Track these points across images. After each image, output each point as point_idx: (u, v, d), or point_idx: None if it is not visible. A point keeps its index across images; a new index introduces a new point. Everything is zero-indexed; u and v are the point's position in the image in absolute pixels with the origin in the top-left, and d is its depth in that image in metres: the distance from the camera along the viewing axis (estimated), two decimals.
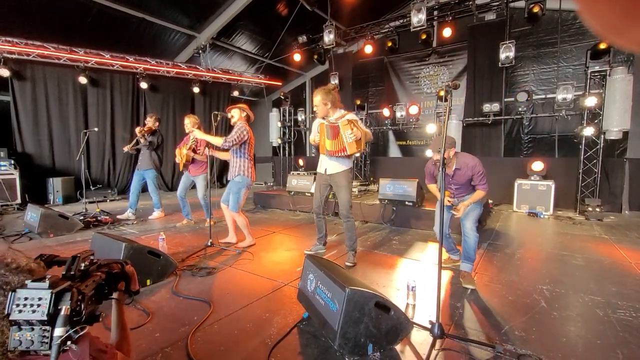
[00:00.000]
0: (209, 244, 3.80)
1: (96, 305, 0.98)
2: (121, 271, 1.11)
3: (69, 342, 0.79)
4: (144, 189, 5.49)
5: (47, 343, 0.76)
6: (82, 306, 0.84)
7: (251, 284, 2.86)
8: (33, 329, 0.75)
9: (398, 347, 1.92)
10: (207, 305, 2.44)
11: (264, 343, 1.97)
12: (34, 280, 0.77)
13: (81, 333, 0.82)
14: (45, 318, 0.74)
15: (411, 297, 2.45)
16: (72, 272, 0.89)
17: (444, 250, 2.84)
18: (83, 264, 0.94)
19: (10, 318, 0.74)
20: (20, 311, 0.73)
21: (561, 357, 1.82)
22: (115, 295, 1.12)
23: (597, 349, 1.90)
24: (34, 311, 0.74)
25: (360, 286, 1.86)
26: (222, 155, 4.16)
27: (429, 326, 2.02)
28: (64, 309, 0.77)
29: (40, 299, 0.74)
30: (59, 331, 0.75)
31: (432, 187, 3.26)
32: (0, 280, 0.82)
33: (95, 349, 0.95)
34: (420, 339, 2.02)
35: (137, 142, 5.33)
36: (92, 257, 1.01)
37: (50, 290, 0.75)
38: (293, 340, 2.02)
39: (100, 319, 0.99)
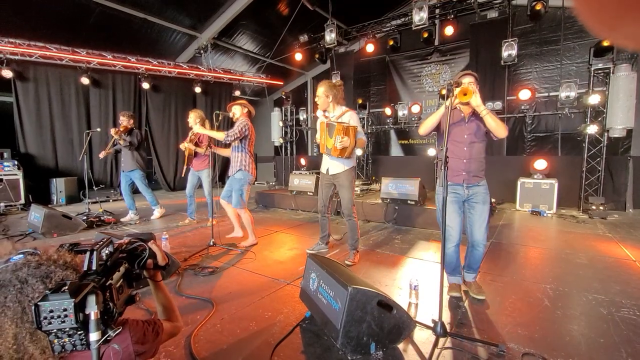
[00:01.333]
0: (211, 243, 3.81)
1: (129, 290, 0.98)
2: (146, 250, 1.09)
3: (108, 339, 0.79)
4: (137, 191, 5.40)
5: (88, 344, 0.76)
6: (111, 305, 0.82)
7: (253, 283, 2.86)
8: (70, 335, 0.75)
9: (401, 346, 1.92)
10: (209, 304, 2.44)
11: (267, 342, 1.97)
12: (53, 291, 0.74)
13: (118, 332, 0.81)
14: (76, 326, 0.74)
15: (414, 295, 2.45)
16: (92, 269, 0.86)
17: (446, 276, 2.46)
18: (104, 254, 0.92)
19: (43, 330, 0.73)
20: (49, 323, 0.72)
21: (565, 356, 1.81)
22: (146, 274, 1.12)
23: (601, 348, 1.89)
24: (62, 322, 0.73)
25: (363, 285, 1.86)
26: (224, 152, 4.17)
27: (432, 325, 2.02)
28: (93, 313, 0.75)
29: (65, 309, 0.72)
30: (94, 336, 0.75)
31: (426, 121, 2.47)
32: (45, 272, 0.81)
33: (137, 336, 0.97)
34: (423, 337, 2.01)
35: (115, 144, 5.21)
36: (112, 244, 0.96)
37: (72, 300, 0.72)
38: (296, 339, 2.02)
39: (137, 299, 1.00)
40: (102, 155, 5.27)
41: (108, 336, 0.79)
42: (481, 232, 2.47)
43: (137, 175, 5.25)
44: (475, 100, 2.25)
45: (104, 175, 7.99)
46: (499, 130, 2.29)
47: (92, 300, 0.76)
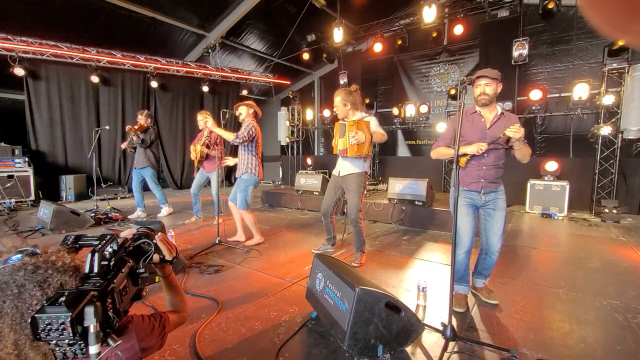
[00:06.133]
0: (217, 241, 3.80)
1: (134, 288, 0.96)
2: (152, 246, 1.05)
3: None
4: (147, 188, 5.48)
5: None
6: (111, 315, 0.79)
7: (259, 282, 2.84)
8: (70, 345, 0.72)
9: (409, 349, 1.88)
10: (214, 303, 2.43)
11: (272, 342, 1.94)
12: (50, 303, 0.70)
13: (118, 343, 0.78)
14: (75, 339, 0.71)
15: (422, 298, 2.40)
16: (94, 271, 0.83)
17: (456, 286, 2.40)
18: (108, 252, 0.89)
19: (42, 340, 0.71)
20: (47, 335, 0.70)
21: None
22: (154, 270, 1.10)
23: (617, 355, 1.83)
24: (60, 334, 0.70)
25: (370, 286, 1.82)
26: (234, 161, 4.10)
27: (441, 328, 1.98)
28: (92, 326, 0.72)
29: (62, 322, 0.69)
30: (93, 349, 0.72)
31: (441, 150, 2.46)
32: (42, 276, 0.77)
33: (144, 333, 0.97)
34: (432, 341, 1.97)
35: (131, 140, 5.31)
36: (116, 242, 0.92)
37: (69, 314, 0.69)
38: (301, 339, 1.99)
39: (144, 293, 0.99)
40: (123, 146, 5.53)
41: (109, 347, 0.76)
42: (497, 240, 2.40)
43: (148, 173, 5.33)
44: (517, 134, 2.13)
45: (112, 173, 8.06)
46: (524, 160, 2.35)
47: (90, 312, 0.72)
